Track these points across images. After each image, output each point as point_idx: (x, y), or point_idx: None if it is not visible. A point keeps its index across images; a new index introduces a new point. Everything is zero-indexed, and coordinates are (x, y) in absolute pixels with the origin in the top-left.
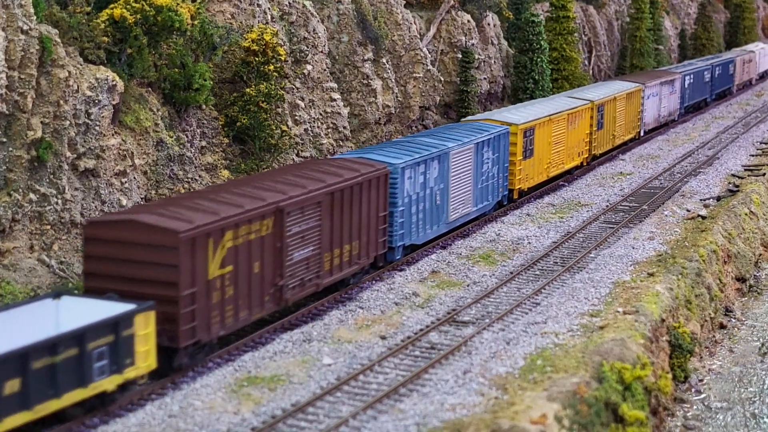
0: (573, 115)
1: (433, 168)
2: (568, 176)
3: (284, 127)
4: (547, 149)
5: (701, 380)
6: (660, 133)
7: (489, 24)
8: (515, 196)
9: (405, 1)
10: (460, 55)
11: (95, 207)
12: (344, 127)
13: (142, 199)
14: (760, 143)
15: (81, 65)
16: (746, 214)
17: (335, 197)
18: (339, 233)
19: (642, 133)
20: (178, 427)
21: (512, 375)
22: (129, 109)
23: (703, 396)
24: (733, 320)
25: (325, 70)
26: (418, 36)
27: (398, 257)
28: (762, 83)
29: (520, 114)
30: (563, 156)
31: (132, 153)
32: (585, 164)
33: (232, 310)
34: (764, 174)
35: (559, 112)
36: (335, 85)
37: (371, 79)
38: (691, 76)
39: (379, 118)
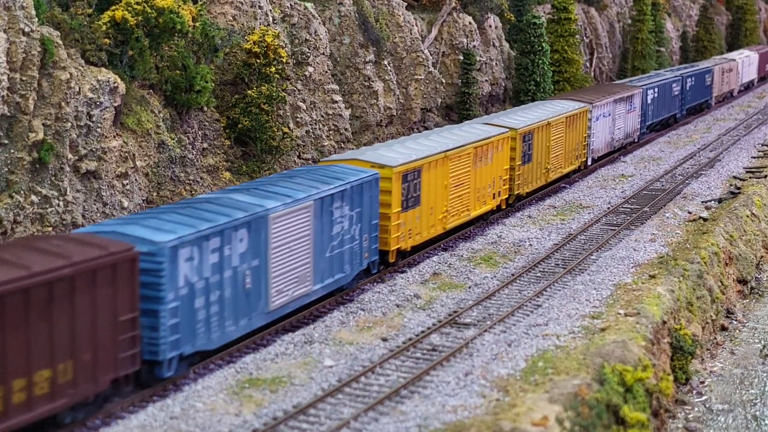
0: (483, 149)
1: (238, 240)
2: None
3: (286, 129)
4: (442, 194)
5: (702, 382)
6: (661, 135)
7: (490, 26)
8: (392, 259)
9: (406, 3)
10: (461, 57)
11: (97, 209)
12: (346, 129)
13: (143, 200)
14: (762, 145)
15: (82, 67)
16: (748, 216)
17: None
18: (25, 356)
19: (589, 162)
20: (179, 429)
21: (513, 377)
22: (130, 110)
23: (704, 398)
24: (735, 322)
25: (326, 72)
26: (420, 38)
27: (171, 373)
28: (746, 95)
29: (402, 151)
30: (468, 200)
31: (133, 155)
32: (503, 207)
33: None
34: (766, 176)
35: (462, 146)
36: (337, 87)
37: (373, 81)
38: (655, 90)
39: (381, 120)
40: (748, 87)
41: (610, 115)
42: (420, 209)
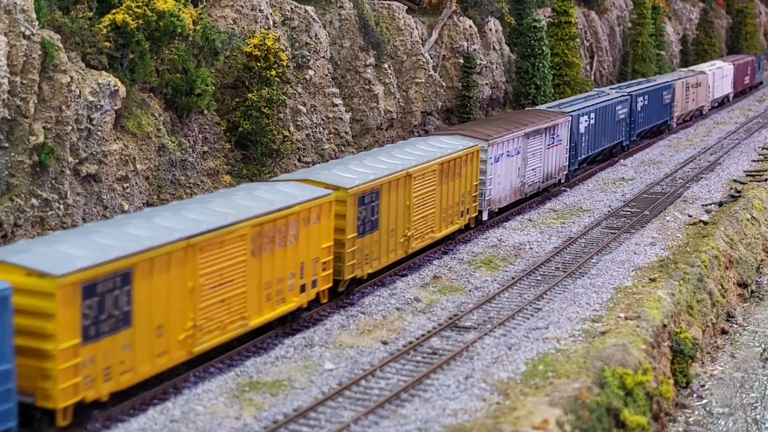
0: (282, 224)
1: None
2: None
3: (286, 133)
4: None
5: (703, 385)
6: (661, 138)
7: (491, 29)
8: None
9: (407, 7)
10: (461, 61)
11: (97, 212)
12: (346, 133)
13: (144, 204)
14: (762, 148)
15: (83, 70)
16: (748, 220)
17: None
18: None
19: (485, 216)
20: None
21: (514, 380)
22: (131, 114)
23: (704, 401)
24: (735, 326)
25: (327, 75)
26: (420, 41)
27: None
28: (718, 113)
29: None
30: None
31: (134, 158)
32: (325, 301)
33: None
34: (766, 179)
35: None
36: (337, 91)
37: (373, 85)
38: (591, 115)
39: (381, 124)
40: (722, 103)
41: (518, 153)
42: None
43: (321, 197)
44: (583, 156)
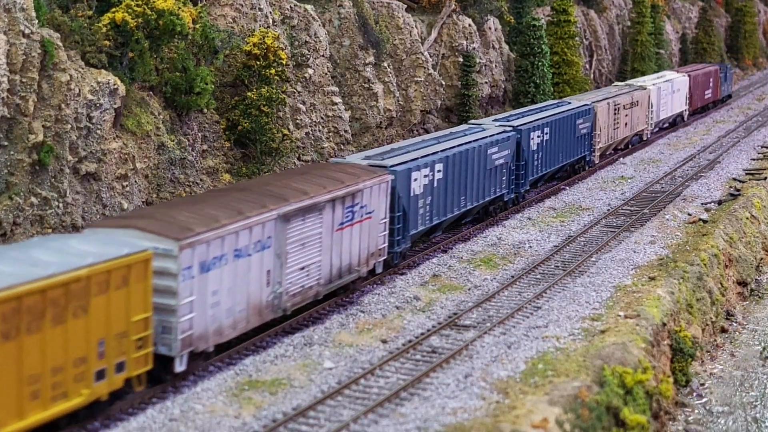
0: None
1: None
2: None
3: (285, 131)
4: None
5: (702, 384)
6: (660, 137)
7: (490, 28)
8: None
9: (406, 5)
10: (461, 59)
11: (96, 210)
12: (345, 131)
13: (143, 202)
14: (761, 147)
15: (83, 69)
16: (747, 218)
17: None
18: None
19: (181, 366)
20: (178, 431)
21: (513, 379)
22: (130, 112)
23: (704, 400)
24: (735, 324)
25: (326, 73)
26: (420, 40)
27: None
28: (666, 136)
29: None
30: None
31: (133, 156)
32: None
33: None
34: (765, 178)
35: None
36: (336, 89)
37: (372, 83)
38: (435, 168)
39: (381, 122)
40: (673, 124)
41: (264, 247)
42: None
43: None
44: (413, 231)
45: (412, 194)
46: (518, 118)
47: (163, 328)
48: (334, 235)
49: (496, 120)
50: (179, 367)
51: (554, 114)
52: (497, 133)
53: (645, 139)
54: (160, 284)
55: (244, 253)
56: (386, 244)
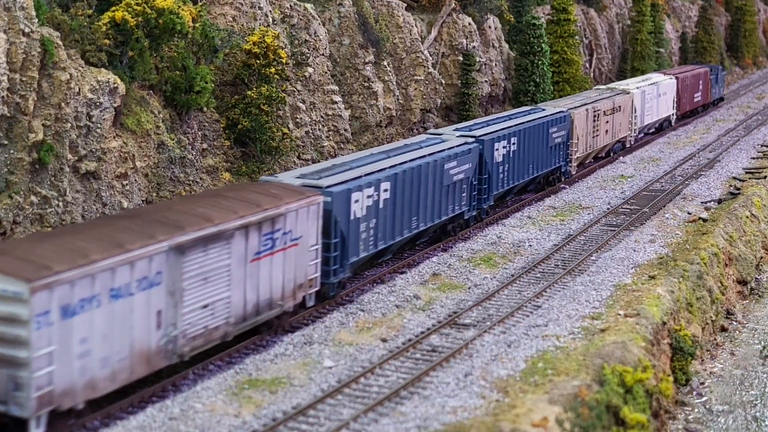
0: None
1: None
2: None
3: (285, 130)
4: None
5: (702, 383)
6: (660, 136)
7: (490, 27)
8: None
9: (406, 4)
10: (461, 58)
11: (96, 209)
12: (345, 130)
13: (143, 201)
14: (761, 146)
15: (82, 68)
16: (747, 217)
17: None
18: None
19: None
20: (178, 430)
21: (513, 378)
22: (130, 111)
23: (704, 399)
24: (735, 323)
25: (326, 72)
26: (420, 39)
27: None
28: (653, 143)
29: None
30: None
31: (133, 155)
32: None
33: None
34: (765, 177)
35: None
36: (336, 88)
37: (372, 82)
38: (375, 188)
39: (380, 121)
40: (660, 128)
41: (152, 285)
42: None
43: None
44: (373, 249)
45: (352, 217)
46: (482, 128)
47: (14, 384)
48: (249, 267)
49: (457, 129)
50: (36, 429)
51: (523, 122)
52: (457, 145)
53: (628, 146)
54: (7, 333)
55: (125, 293)
56: (318, 274)
